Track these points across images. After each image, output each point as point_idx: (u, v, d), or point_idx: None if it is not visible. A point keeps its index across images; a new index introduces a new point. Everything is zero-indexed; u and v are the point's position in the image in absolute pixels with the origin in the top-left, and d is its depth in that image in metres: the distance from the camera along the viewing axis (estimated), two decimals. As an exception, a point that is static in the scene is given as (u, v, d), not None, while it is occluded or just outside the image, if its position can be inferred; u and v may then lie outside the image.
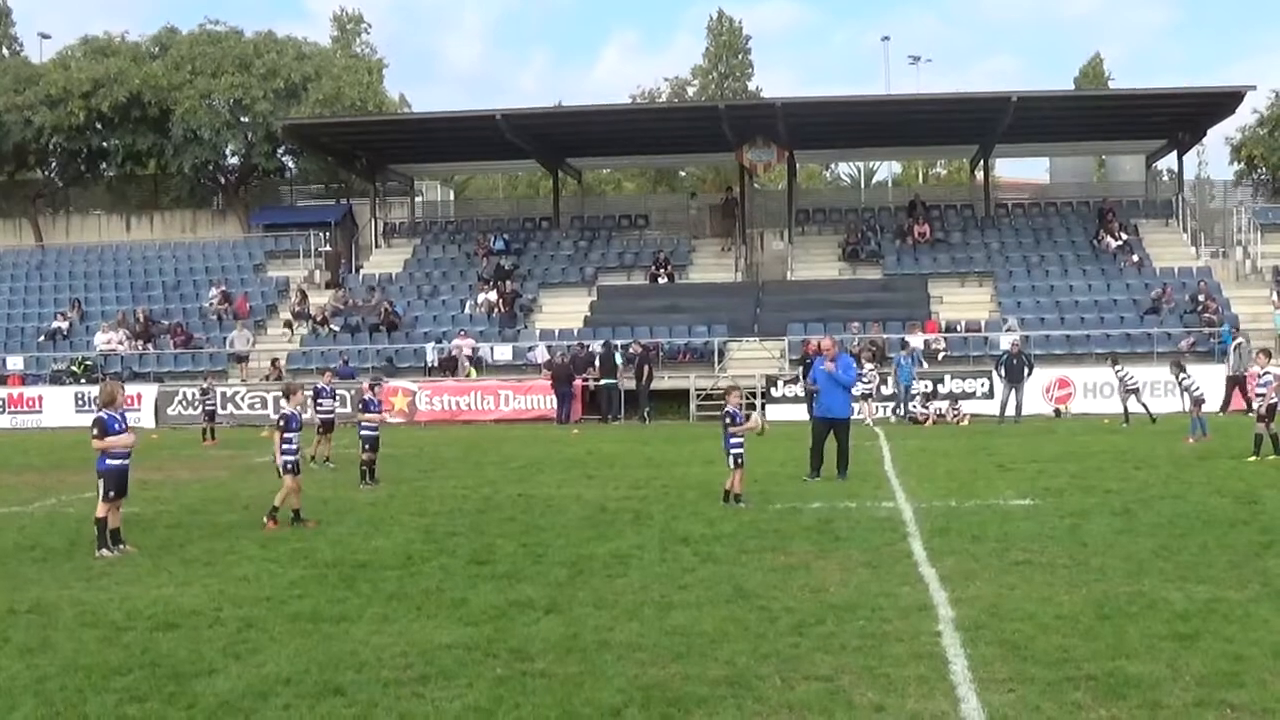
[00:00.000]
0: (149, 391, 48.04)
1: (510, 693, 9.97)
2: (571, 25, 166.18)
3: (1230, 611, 12.07)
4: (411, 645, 11.45)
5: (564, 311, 54.15)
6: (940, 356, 46.53)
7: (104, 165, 73.91)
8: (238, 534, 18.51)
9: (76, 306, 57.64)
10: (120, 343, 53.61)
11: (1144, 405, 38.54)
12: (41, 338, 56.08)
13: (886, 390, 43.67)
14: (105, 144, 71.43)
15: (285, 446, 19.36)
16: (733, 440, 20.30)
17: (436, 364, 49.74)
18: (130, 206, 72.18)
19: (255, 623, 12.55)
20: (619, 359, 46.21)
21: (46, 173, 76.52)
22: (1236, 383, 40.69)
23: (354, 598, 13.67)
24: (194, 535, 18.55)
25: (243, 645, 11.64)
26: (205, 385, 41.74)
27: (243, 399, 47.80)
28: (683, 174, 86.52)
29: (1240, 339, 42.38)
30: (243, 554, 16.75)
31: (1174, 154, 59.82)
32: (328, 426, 30.11)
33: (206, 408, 40.31)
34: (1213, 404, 37.35)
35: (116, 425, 17.22)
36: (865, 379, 42.73)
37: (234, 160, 73.64)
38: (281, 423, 19.70)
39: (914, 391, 43.12)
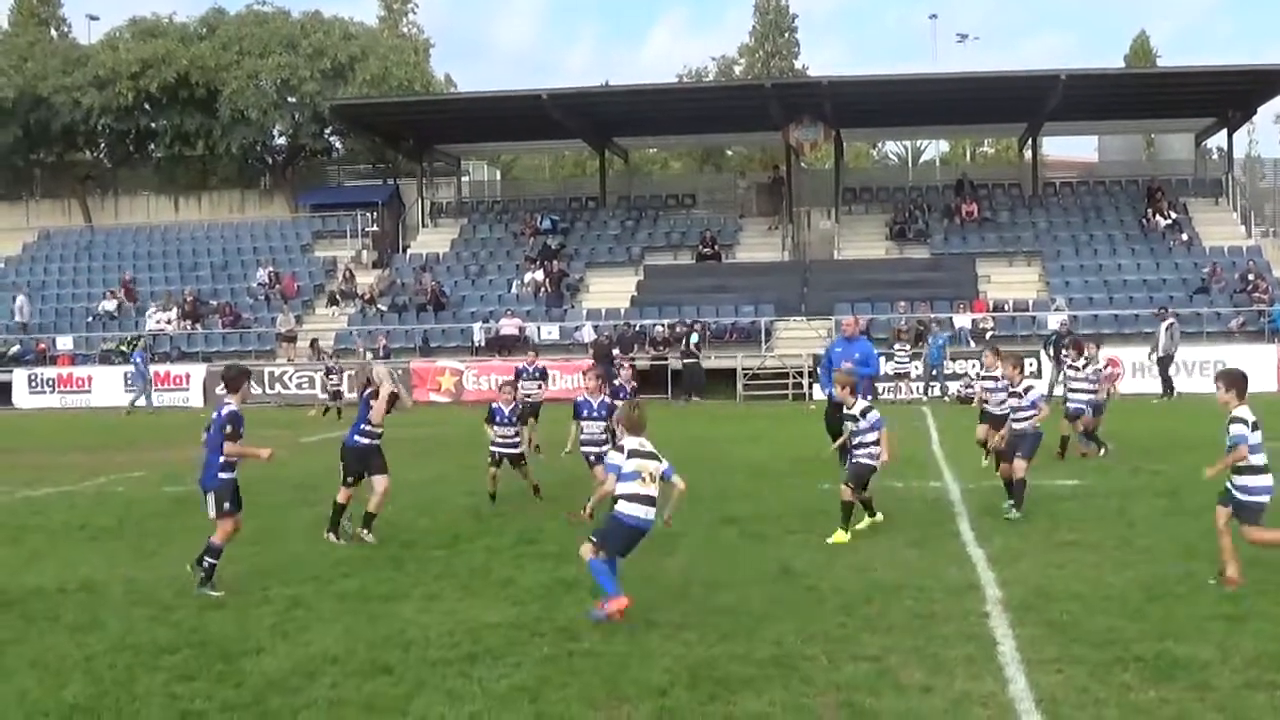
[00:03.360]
0: (197, 371, 48.44)
1: (557, 672, 10.01)
2: (621, 5, 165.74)
3: (1280, 593, 12.01)
4: (459, 624, 11.50)
5: (611, 291, 54.13)
6: (988, 336, 46.33)
7: (152, 146, 74.15)
8: (288, 513, 18.60)
9: (126, 287, 57.87)
10: (169, 322, 53.90)
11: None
12: (90, 318, 56.39)
13: (918, 371, 43.60)
14: (153, 125, 71.75)
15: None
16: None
17: (484, 343, 49.79)
18: (178, 187, 72.41)
19: (303, 602, 12.64)
20: (695, 339, 46.28)
21: (95, 154, 76.86)
22: (1165, 364, 40.23)
23: (401, 577, 13.73)
24: (243, 514, 18.61)
25: (291, 624, 11.73)
26: (331, 364, 41.77)
27: (290, 379, 47.98)
28: (729, 153, 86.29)
29: (1171, 319, 41.77)
30: (291, 533, 16.86)
31: (1223, 132, 59.22)
32: (533, 411, 26.51)
33: (330, 387, 40.38)
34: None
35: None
36: (899, 359, 42.81)
37: (281, 141, 73.84)
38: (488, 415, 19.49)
39: (947, 371, 43.14)
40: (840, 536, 15.30)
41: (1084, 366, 24.30)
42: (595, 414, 18.62)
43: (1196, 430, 25.31)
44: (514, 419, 19.30)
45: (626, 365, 20.61)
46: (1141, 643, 10.32)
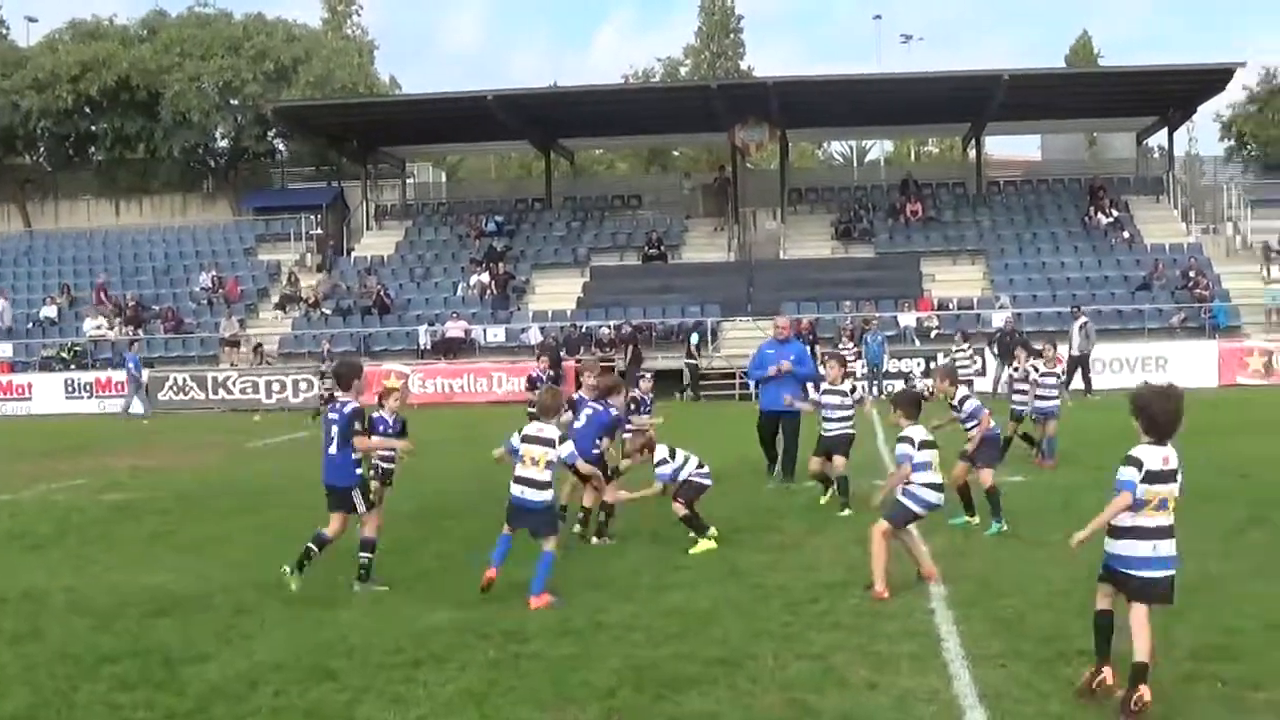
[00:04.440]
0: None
1: (504, 675, 10.01)
2: (567, 7, 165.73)
3: (1221, 585, 12.13)
4: (404, 629, 11.47)
5: (557, 292, 54.08)
6: (933, 334, 46.51)
7: (93, 149, 73.79)
8: (232, 519, 18.50)
9: (66, 292, 57.38)
10: (98, 328, 53.39)
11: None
12: (30, 324, 55.86)
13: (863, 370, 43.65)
14: (94, 128, 71.38)
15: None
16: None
17: (429, 346, 49.68)
18: (119, 191, 71.81)
19: (247, 608, 12.57)
20: (695, 339, 46.58)
21: (34, 157, 76.36)
22: (1080, 363, 40.39)
23: (346, 582, 13.65)
24: (186, 521, 18.53)
25: (234, 631, 11.67)
26: (325, 368, 41.35)
27: (234, 384, 47.69)
28: (675, 154, 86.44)
29: (1085, 318, 41.92)
30: (235, 540, 16.76)
31: (1164, 131, 59.74)
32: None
33: (323, 392, 39.99)
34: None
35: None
36: (845, 358, 42.86)
37: (224, 143, 73.52)
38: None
39: (892, 370, 43.34)
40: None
41: (1054, 368, 24.11)
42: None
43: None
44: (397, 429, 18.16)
45: (648, 376, 20.39)
46: (1085, 637, 10.32)
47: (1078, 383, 39.12)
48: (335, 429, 13.55)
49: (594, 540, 15.79)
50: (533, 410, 18.22)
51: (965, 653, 10.22)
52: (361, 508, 13.63)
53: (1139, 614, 9.03)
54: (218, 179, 73.41)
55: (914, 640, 10.67)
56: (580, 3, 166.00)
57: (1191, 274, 48.73)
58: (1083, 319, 41.54)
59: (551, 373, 21.33)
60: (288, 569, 13.25)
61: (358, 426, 13.50)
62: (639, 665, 10.14)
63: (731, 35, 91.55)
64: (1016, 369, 24.05)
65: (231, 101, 68.80)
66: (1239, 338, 45.58)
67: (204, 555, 15.51)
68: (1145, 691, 8.60)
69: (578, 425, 16.18)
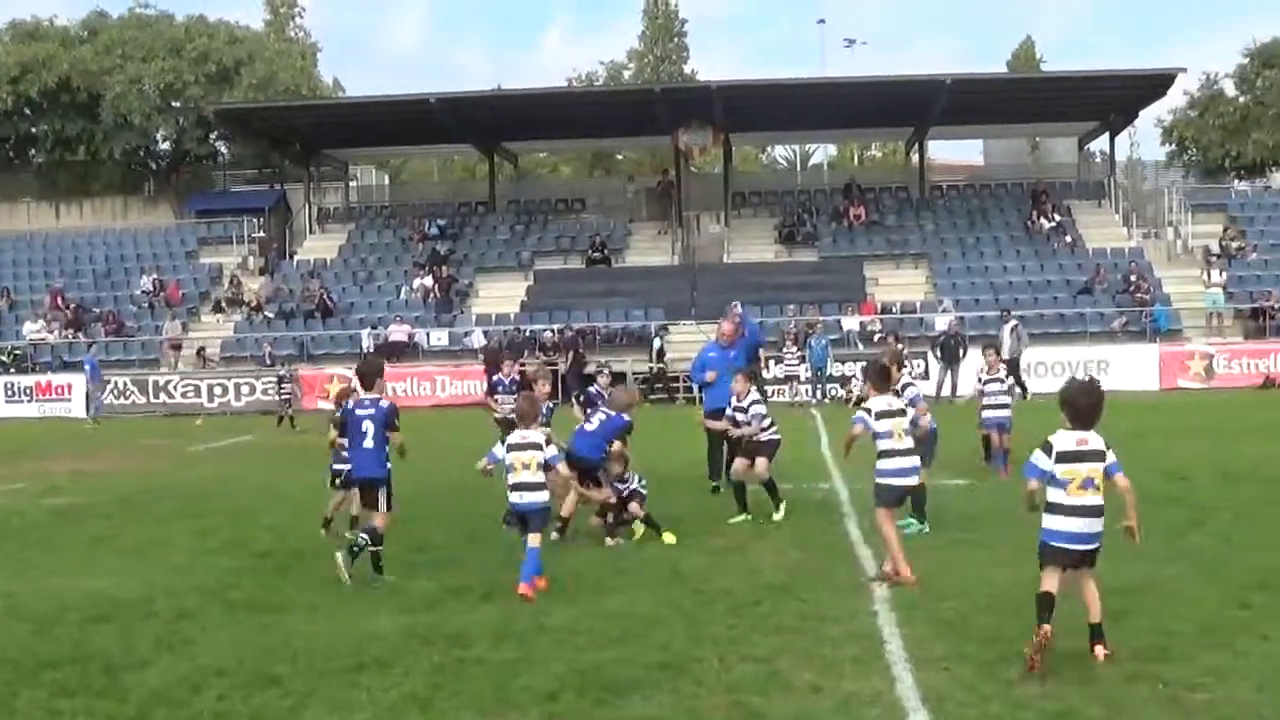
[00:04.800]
0: (79, 381, 47.50)
1: (447, 680, 9.98)
2: (512, 10, 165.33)
3: (1161, 588, 12.22)
4: (347, 634, 11.43)
5: (501, 296, 54.01)
6: (876, 338, 46.66)
7: (32, 151, 73.23)
8: (173, 524, 18.39)
9: (5, 295, 56.88)
10: (37, 332, 52.96)
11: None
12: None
13: (807, 374, 43.69)
14: (34, 130, 70.95)
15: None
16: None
17: (372, 350, 49.49)
18: (60, 193, 71.34)
19: (189, 614, 12.49)
20: (658, 343, 46.62)
21: (-28, 159, 75.73)
22: (1011, 367, 40.51)
23: (289, 587, 13.62)
24: (127, 526, 18.40)
25: (176, 637, 11.59)
26: (284, 372, 41.01)
27: (176, 388, 47.39)
28: (619, 157, 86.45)
29: (1015, 321, 42.17)
30: (177, 544, 16.66)
31: (1106, 136, 60.20)
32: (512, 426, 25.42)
33: (282, 395, 39.63)
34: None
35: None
36: (789, 362, 43.00)
37: (165, 146, 73.26)
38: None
39: (836, 374, 43.44)
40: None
41: (1006, 375, 23.21)
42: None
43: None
44: None
45: (606, 373, 20.39)
46: (1026, 639, 10.41)
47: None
48: (370, 424, 14.00)
49: (608, 542, 15.95)
50: (500, 417, 18.26)
51: (908, 655, 10.25)
52: (384, 506, 14.13)
53: (1089, 581, 10.17)
54: (159, 181, 73.04)
55: (857, 643, 10.69)
56: (524, 6, 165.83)
57: (1133, 278, 49.09)
58: (1013, 321, 41.73)
59: (517, 376, 21.21)
60: (339, 556, 13.73)
61: (396, 422, 14.08)
62: (581, 669, 10.13)
63: (675, 39, 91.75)
64: (987, 371, 23.44)
65: (173, 104, 68.53)
66: (1180, 341, 45.93)
67: (145, 560, 15.42)
68: (1105, 645, 9.96)
69: (589, 428, 16.63)
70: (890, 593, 12.42)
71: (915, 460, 13.49)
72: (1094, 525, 10.13)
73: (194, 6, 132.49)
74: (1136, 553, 12.73)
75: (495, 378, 22.42)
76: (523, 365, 37.17)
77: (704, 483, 20.16)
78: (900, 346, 36.76)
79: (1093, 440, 10.16)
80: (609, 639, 11.03)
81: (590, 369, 27.73)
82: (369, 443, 14.00)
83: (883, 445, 13.24)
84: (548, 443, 13.76)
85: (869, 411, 13.34)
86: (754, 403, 17.54)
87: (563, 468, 14.53)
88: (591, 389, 20.77)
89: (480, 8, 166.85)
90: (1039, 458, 10.16)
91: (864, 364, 15.77)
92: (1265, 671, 9.58)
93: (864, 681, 9.62)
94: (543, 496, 13.50)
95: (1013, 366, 40.00)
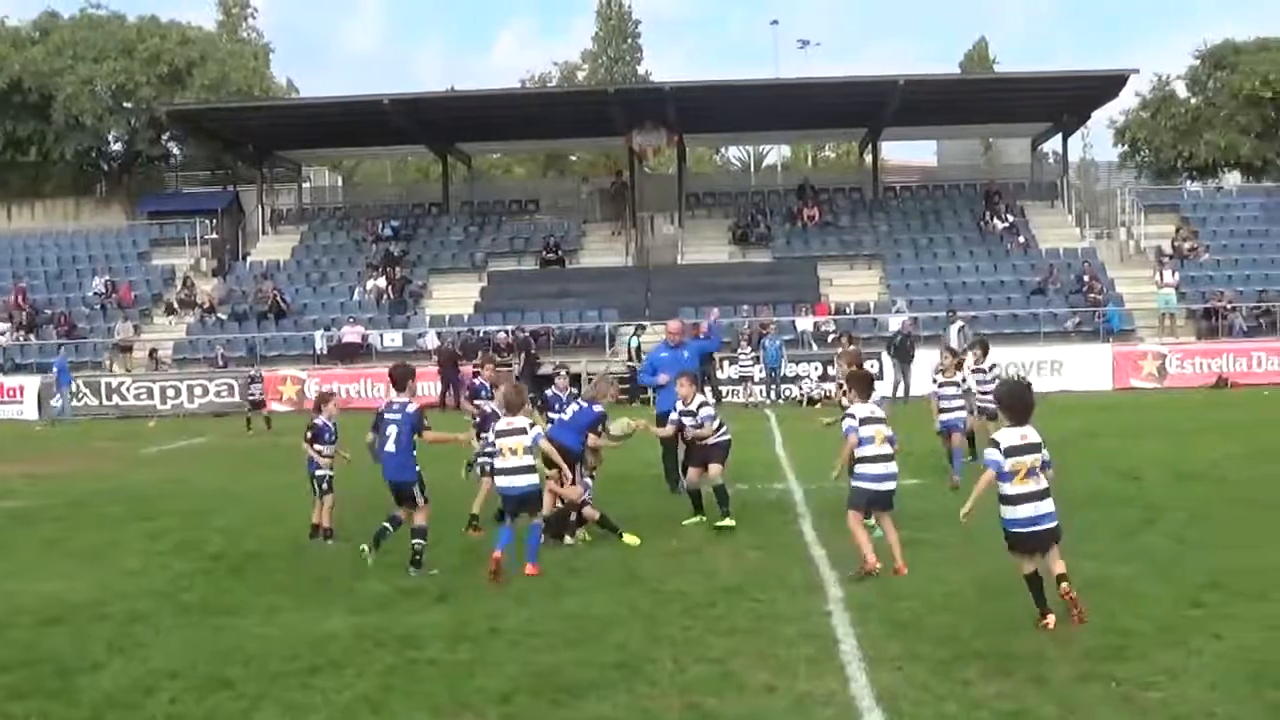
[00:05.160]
0: (31, 383, 47.17)
1: (400, 681, 9.98)
2: (467, 11, 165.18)
3: (1115, 587, 12.27)
4: (300, 636, 11.41)
5: (454, 297, 53.89)
6: (830, 339, 46.69)
7: (-17, 152, 72.68)
8: (125, 526, 18.30)
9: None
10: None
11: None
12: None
13: (761, 374, 43.74)
14: (-15, 131, 70.33)
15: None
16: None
17: (325, 351, 49.37)
18: (10, 194, 70.82)
19: (142, 616, 12.45)
20: (635, 342, 46.26)
21: (-77, 161, 75.12)
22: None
23: (242, 589, 13.60)
24: (80, 528, 18.31)
25: (129, 639, 11.55)
26: (253, 373, 40.68)
27: (128, 390, 47.08)
28: (573, 158, 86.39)
29: (961, 321, 42.21)
30: (130, 547, 16.58)
31: (1059, 137, 60.36)
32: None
33: (249, 396, 39.26)
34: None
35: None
36: (744, 362, 43.07)
37: (117, 147, 72.86)
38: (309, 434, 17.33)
39: (790, 374, 43.55)
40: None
41: (990, 369, 22.78)
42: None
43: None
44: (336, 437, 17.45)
45: (563, 374, 20.40)
46: (981, 639, 10.48)
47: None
48: (395, 428, 14.41)
49: (567, 540, 15.92)
50: (479, 421, 18.19)
51: (863, 655, 10.28)
52: (420, 500, 14.51)
53: (1055, 552, 11.15)
54: (111, 183, 72.67)
55: (811, 643, 10.72)
56: (479, 7, 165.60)
57: (1085, 278, 49.34)
58: (959, 322, 41.75)
59: (490, 380, 21.15)
60: (366, 549, 14.47)
61: (427, 423, 14.60)
62: (536, 670, 10.13)
63: (629, 40, 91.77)
64: (983, 369, 23.24)
65: (125, 104, 68.19)
66: (1132, 341, 46.17)
67: (98, 562, 15.35)
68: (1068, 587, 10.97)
69: (564, 418, 16.79)
70: (845, 593, 12.46)
71: (893, 466, 13.67)
72: (1044, 506, 11.12)
73: (146, 7, 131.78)
74: (1091, 551, 12.83)
75: (474, 382, 22.04)
76: (476, 367, 36.81)
77: (662, 484, 20.16)
78: (857, 347, 36.87)
79: (1030, 434, 11.22)
80: (564, 640, 11.04)
81: (547, 370, 27.61)
82: (391, 446, 14.45)
83: (863, 451, 13.48)
84: (531, 425, 14.47)
85: (854, 418, 13.57)
86: (702, 404, 17.36)
87: (545, 445, 14.80)
88: (549, 391, 20.70)
89: (435, 10, 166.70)
90: (992, 453, 11.17)
91: (849, 373, 15.79)
92: (1218, 670, 9.63)
93: (818, 681, 9.65)
94: (534, 479, 14.16)
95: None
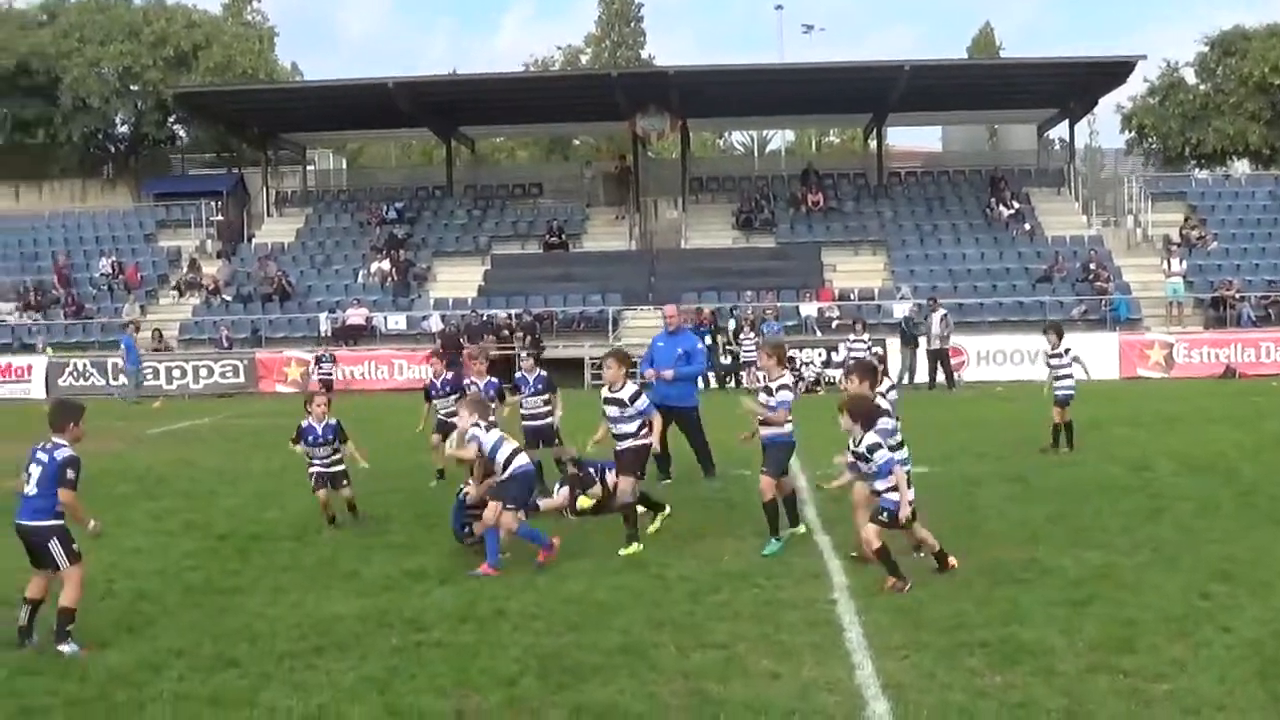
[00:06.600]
0: (39, 363, 47.28)
1: (405, 663, 10.01)
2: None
3: (1122, 577, 12.25)
4: (306, 617, 11.44)
5: (458, 280, 53.87)
6: (834, 325, 46.66)
7: (-9, 134, 72.74)
8: (131, 506, 18.30)
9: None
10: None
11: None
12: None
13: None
14: (-8, 113, 70.39)
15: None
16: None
17: (330, 333, 49.38)
18: (18, 176, 70.85)
19: (148, 595, 12.50)
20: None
21: (-69, 142, 75.17)
22: (939, 356, 40.75)
23: (248, 569, 13.62)
24: (87, 507, 18.26)
25: (136, 618, 11.61)
26: (322, 354, 40.49)
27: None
28: (576, 143, 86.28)
29: (943, 310, 41.94)
30: (136, 526, 16.61)
31: (1065, 123, 60.31)
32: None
33: (319, 374, 39.08)
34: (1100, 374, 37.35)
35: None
36: (746, 347, 42.99)
37: (124, 129, 72.90)
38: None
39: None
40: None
41: (1066, 353, 22.76)
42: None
43: (1043, 416, 25.62)
44: (328, 436, 16.84)
45: (526, 355, 20.58)
46: (987, 628, 10.48)
47: (925, 376, 39.75)
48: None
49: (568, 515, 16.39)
50: (447, 420, 18.28)
51: (867, 643, 10.29)
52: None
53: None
54: (118, 165, 72.72)
55: (816, 630, 10.73)
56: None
57: (1092, 266, 49.25)
58: (941, 310, 41.45)
59: (449, 375, 21.22)
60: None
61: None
62: (541, 654, 10.16)
63: (632, 24, 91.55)
64: (1059, 353, 22.77)
65: (131, 87, 68.27)
66: (1139, 330, 46.11)
67: (104, 542, 15.31)
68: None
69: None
70: (849, 580, 12.45)
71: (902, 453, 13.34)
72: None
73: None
74: (1098, 542, 12.83)
75: (467, 381, 21.96)
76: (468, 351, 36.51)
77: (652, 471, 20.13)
78: (782, 338, 36.56)
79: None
80: (568, 624, 11.07)
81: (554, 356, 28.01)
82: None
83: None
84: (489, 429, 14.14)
85: (884, 447, 13.05)
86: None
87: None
88: (517, 374, 20.92)
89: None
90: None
91: (851, 363, 15.66)
92: (1226, 662, 9.62)
93: (823, 669, 9.67)
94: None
95: (940, 356, 40.14)
